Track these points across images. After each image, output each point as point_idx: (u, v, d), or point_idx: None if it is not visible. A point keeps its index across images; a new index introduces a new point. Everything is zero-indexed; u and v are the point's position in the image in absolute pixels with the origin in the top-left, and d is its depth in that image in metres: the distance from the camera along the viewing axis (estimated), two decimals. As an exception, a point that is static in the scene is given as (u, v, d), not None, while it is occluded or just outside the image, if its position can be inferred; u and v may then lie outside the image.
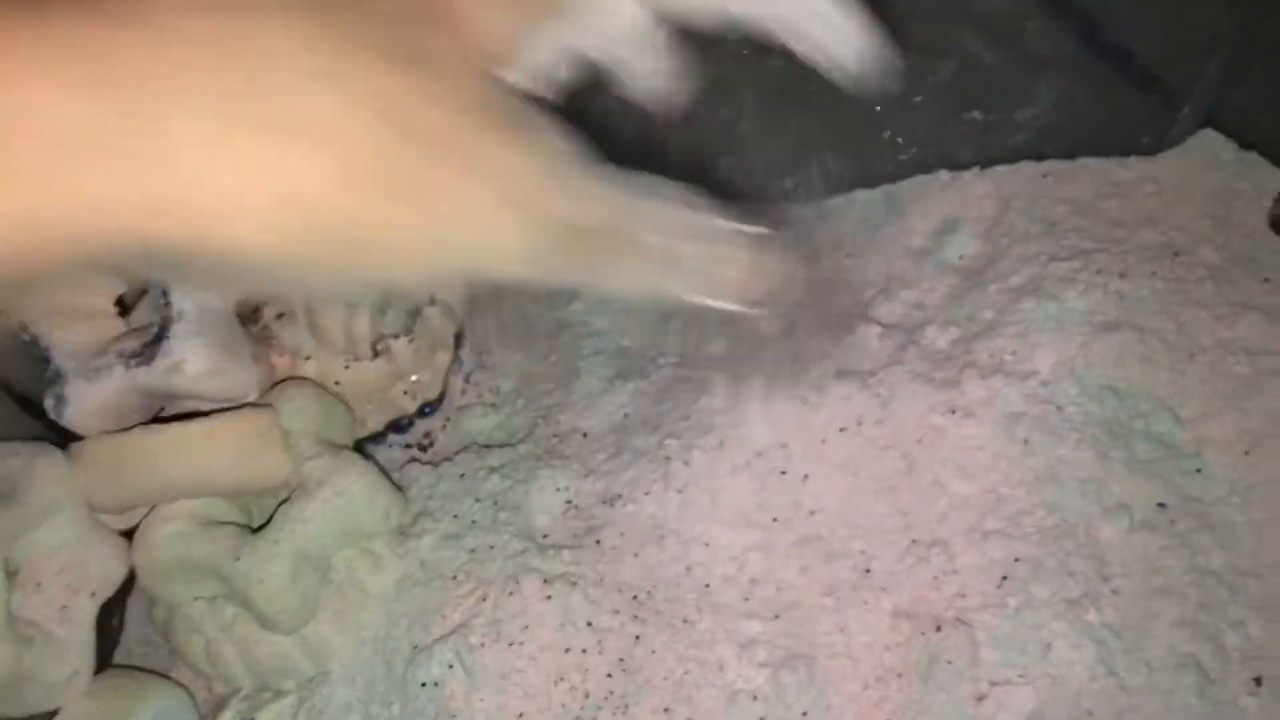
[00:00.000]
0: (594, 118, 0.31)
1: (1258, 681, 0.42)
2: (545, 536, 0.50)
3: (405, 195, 0.25)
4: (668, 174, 0.31)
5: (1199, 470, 0.47)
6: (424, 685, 0.46)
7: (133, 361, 0.46)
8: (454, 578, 0.49)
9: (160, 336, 0.46)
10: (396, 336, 0.52)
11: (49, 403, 0.46)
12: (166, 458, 0.47)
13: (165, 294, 0.46)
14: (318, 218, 0.24)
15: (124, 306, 0.50)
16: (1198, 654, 0.42)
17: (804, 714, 0.43)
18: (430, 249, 0.26)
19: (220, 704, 0.49)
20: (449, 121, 0.25)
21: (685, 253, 0.30)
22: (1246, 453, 0.47)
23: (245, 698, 0.49)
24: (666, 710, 0.44)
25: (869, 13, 0.33)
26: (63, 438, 0.48)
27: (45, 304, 0.48)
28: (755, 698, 0.44)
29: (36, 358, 0.47)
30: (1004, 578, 0.45)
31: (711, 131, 0.58)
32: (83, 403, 0.46)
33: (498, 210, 0.26)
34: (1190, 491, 0.46)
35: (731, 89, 0.56)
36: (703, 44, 0.53)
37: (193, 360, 0.46)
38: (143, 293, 0.50)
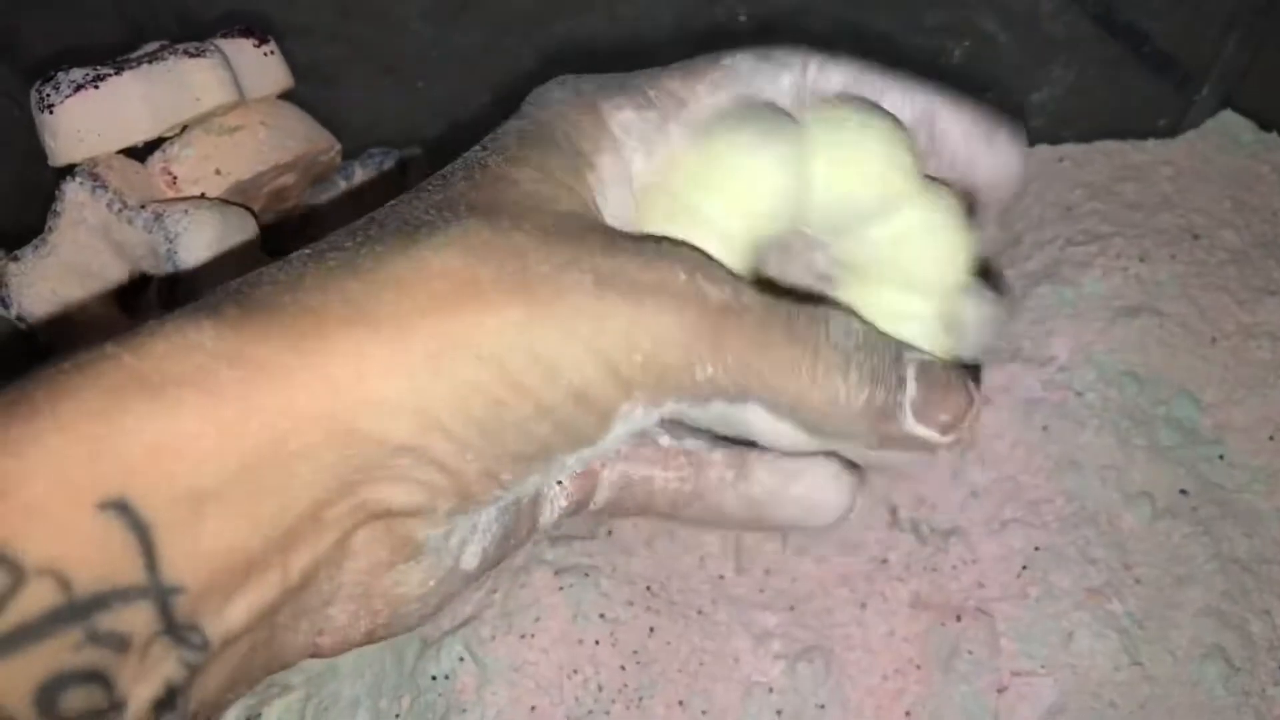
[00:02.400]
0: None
1: (1285, 671, 0.41)
2: (556, 527, 0.49)
3: None
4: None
5: (1221, 456, 0.46)
6: (434, 678, 0.45)
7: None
8: (463, 570, 0.48)
9: None
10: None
11: None
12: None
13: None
14: None
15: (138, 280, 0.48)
16: (1223, 643, 0.41)
17: (821, 706, 0.43)
18: None
19: (227, 699, 0.49)
20: None
21: None
22: (1270, 438, 0.46)
23: (252, 693, 0.48)
24: (681, 703, 0.44)
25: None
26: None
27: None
28: (771, 690, 0.43)
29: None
30: (1024, 567, 0.44)
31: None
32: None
33: None
34: (1213, 478, 0.46)
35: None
36: (701, 30, 0.53)
37: None
38: (146, 280, 0.50)
